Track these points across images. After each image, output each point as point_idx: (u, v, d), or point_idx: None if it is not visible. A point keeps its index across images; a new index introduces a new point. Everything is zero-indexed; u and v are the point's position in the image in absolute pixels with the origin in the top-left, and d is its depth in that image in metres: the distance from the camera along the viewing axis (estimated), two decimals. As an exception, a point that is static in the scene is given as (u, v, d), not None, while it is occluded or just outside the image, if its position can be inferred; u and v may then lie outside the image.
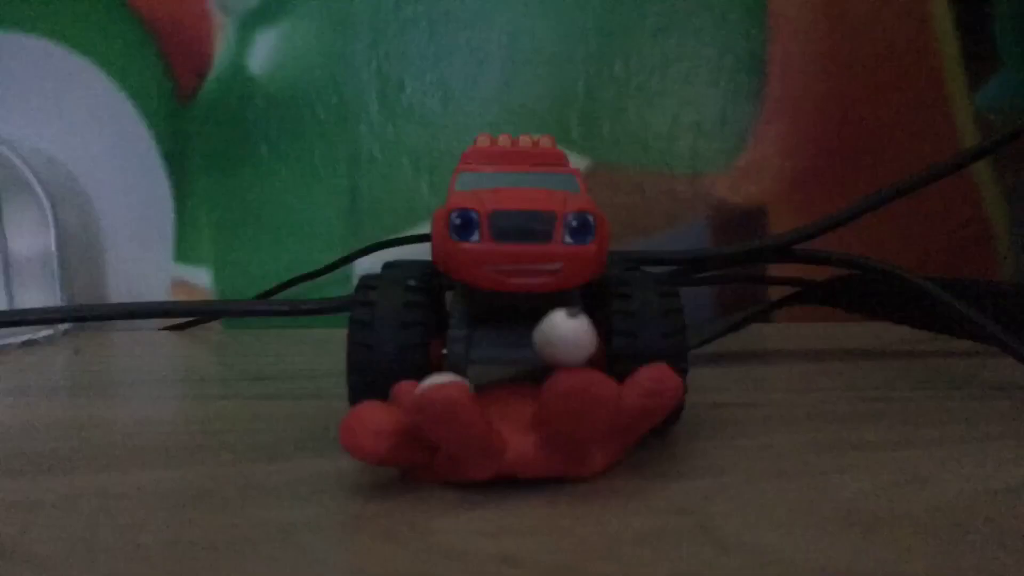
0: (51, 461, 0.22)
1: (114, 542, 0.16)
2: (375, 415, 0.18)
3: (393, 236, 0.52)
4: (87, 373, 0.37)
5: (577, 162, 0.55)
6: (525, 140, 0.27)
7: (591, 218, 0.21)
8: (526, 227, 0.21)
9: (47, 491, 0.20)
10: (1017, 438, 0.24)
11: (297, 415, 0.28)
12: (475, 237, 0.21)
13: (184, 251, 0.56)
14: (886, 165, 0.55)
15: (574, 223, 0.21)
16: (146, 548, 0.16)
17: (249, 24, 0.55)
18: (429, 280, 0.24)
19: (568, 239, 0.21)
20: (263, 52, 0.55)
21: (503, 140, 0.27)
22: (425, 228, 0.55)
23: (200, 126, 0.55)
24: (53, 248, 0.51)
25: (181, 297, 0.56)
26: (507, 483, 0.19)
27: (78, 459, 0.22)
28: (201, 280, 0.56)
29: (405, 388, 0.20)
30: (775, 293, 0.55)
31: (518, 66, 0.55)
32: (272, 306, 0.34)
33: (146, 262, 0.56)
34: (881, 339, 0.44)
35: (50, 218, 0.50)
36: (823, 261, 0.36)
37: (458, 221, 0.21)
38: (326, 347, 0.45)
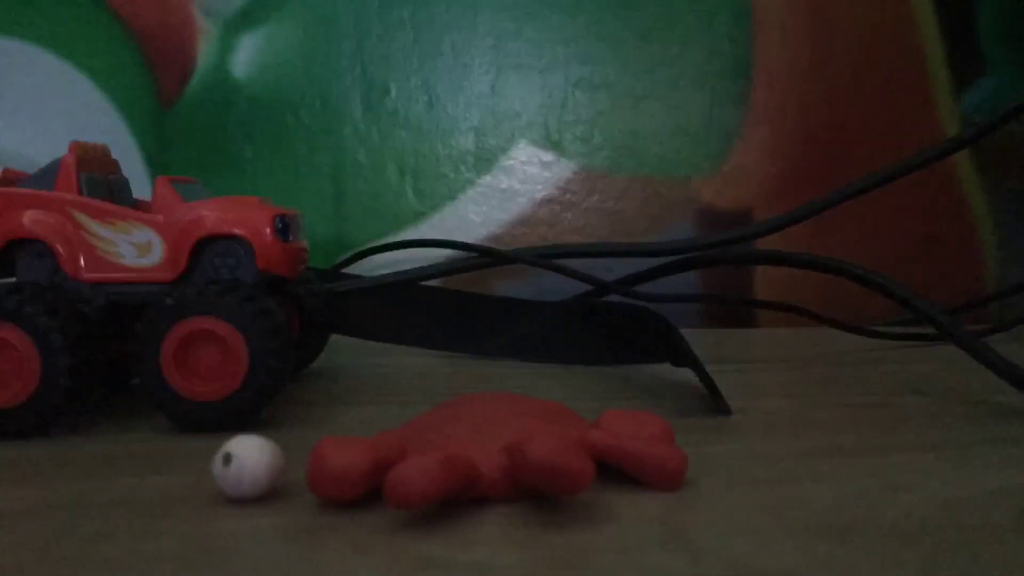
0: (24, 469, 0.22)
1: (79, 553, 0.16)
2: (339, 459, 0.18)
3: (379, 242, 0.52)
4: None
5: (564, 166, 0.55)
6: None
7: None
8: None
9: (18, 500, 0.19)
10: (995, 445, 0.24)
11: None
12: None
13: (167, 256, 0.55)
14: (871, 168, 0.55)
15: None
16: (111, 558, 0.16)
17: (232, 28, 0.55)
18: None
19: None
20: (247, 56, 0.55)
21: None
22: (411, 234, 0.55)
23: (183, 130, 0.55)
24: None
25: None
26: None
27: (50, 467, 0.22)
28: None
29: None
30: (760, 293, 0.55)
31: (504, 70, 0.55)
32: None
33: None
34: (865, 345, 0.44)
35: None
36: (806, 265, 0.36)
37: None
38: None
